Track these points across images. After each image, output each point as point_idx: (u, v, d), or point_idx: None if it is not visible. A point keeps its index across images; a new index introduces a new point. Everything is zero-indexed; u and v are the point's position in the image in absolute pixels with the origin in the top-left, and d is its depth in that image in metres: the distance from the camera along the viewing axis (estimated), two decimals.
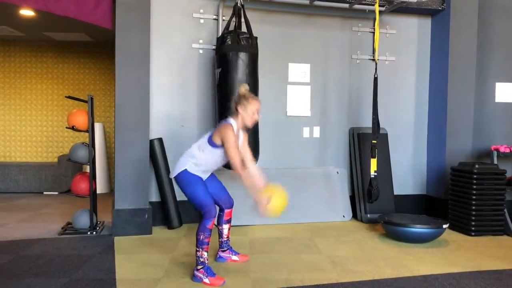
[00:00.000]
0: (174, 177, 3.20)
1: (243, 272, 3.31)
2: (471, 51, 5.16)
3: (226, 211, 3.51)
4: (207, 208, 3.09)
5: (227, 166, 3.33)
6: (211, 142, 3.16)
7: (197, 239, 3.10)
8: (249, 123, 3.24)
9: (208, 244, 3.10)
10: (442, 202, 5.07)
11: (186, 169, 3.14)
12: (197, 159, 3.17)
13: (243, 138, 3.34)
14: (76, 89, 7.47)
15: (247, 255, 3.66)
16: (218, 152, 3.15)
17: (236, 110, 3.20)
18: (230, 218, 3.58)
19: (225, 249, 3.58)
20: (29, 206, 5.81)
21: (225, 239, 3.57)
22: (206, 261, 3.11)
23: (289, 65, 5.09)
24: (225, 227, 3.56)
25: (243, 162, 3.23)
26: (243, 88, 3.28)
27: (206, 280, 3.04)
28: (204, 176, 3.26)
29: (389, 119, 5.34)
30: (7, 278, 3.12)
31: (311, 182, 5.10)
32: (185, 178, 3.15)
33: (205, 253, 3.09)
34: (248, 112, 3.18)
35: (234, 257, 3.57)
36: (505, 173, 4.53)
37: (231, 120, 3.21)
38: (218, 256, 3.57)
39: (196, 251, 3.10)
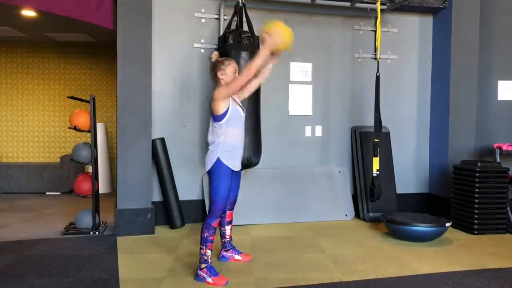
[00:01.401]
0: (208, 171, 3.15)
1: (246, 271, 3.32)
2: (473, 49, 5.16)
3: (228, 212, 3.53)
4: (219, 207, 3.09)
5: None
6: (215, 118, 3.11)
7: (202, 237, 3.10)
8: (233, 85, 3.18)
9: (212, 242, 3.11)
10: (445, 200, 5.06)
11: (218, 158, 3.09)
12: (220, 143, 3.11)
13: (237, 99, 3.33)
14: (78, 89, 7.48)
15: (250, 254, 3.66)
16: (228, 121, 3.10)
17: (217, 77, 3.19)
18: (232, 219, 3.61)
19: (228, 248, 3.58)
20: (32, 206, 5.82)
21: (228, 239, 3.58)
22: (210, 260, 3.11)
23: (290, 64, 5.08)
24: (227, 228, 3.57)
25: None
26: (214, 55, 3.30)
27: (209, 280, 3.04)
28: (236, 164, 3.20)
29: (391, 117, 5.33)
30: (11, 278, 3.13)
31: (313, 181, 5.10)
32: (219, 168, 3.09)
33: (209, 251, 3.10)
34: (228, 74, 3.18)
35: (237, 257, 3.57)
36: (507, 171, 4.52)
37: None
38: (221, 255, 3.58)
39: (200, 248, 3.11)
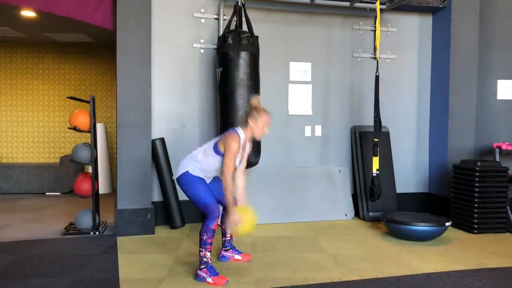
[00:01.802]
0: (177, 179, 3.23)
1: (246, 271, 3.32)
2: (473, 48, 5.16)
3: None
4: (210, 208, 3.10)
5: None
6: (216, 149, 3.17)
7: (200, 239, 3.11)
8: (258, 136, 3.27)
9: (211, 244, 3.11)
10: (445, 200, 5.07)
11: (187, 171, 3.16)
12: (200, 164, 3.19)
13: (248, 148, 3.38)
14: (77, 90, 7.48)
15: (250, 254, 3.66)
16: (221, 159, 3.15)
17: (246, 121, 3.22)
18: None
19: (228, 248, 3.58)
20: (32, 206, 5.82)
21: (228, 238, 3.58)
22: (209, 261, 3.11)
23: (290, 64, 5.09)
24: None
25: (234, 171, 3.26)
26: (255, 100, 3.30)
27: (209, 280, 3.05)
28: (206, 180, 3.28)
29: (391, 117, 5.34)
30: (12, 278, 3.13)
31: (313, 181, 5.10)
32: (187, 179, 3.16)
33: (208, 253, 3.10)
34: (258, 125, 3.20)
35: (237, 256, 3.57)
36: (507, 171, 4.52)
37: (240, 130, 3.22)
38: (221, 255, 3.58)
39: (200, 251, 3.11)
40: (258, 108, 3.23)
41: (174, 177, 3.25)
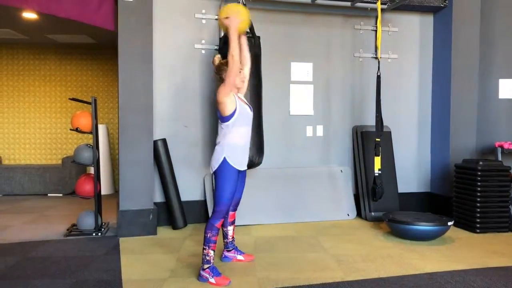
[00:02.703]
0: (214, 171, 3.15)
1: (248, 271, 3.32)
2: (474, 47, 5.15)
3: (231, 213, 3.53)
4: (222, 207, 3.10)
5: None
6: (222, 119, 3.14)
7: (205, 237, 3.11)
8: (239, 84, 3.26)
9: (215, 242, 3.11)
10: (447, 199, 5.06)
11: (224, 158, 3.10)
12: (226, 143, 3.13)
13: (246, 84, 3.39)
14: (79, 91, 7.50)
15: (252, 254, 3.66)
16: (235, 121, 3.11)
17: (222, 79, 3.18)
18: (234, 220, 3.61)
19: (231, 249, 3.59)
20: (34, 208, 5.83)
21: (230, 239, 3.59)
22: (212, 260, 3.11)
23: (291, 64, 5.09)
24: (230, 229, 3.57)
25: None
26: (217, 58, 3.31)
27: (212, 280, 3.05)
28: (242, 163, 3.21)
29: (393, 117, 5.33)
30: (14, 279, 3.14)
31: (315, 181, 5.10)
32: (224, 169, 3.10)
33: (212, 252, 3.10)
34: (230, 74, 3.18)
35: (240, 257, 3.57)
36: (509, 170, 4.51)
37: None
38: (223, 256, 3.58)
39: (203, 249, 3.11)
40: (223, 61, 3.23)
41: (212, 171, 3.16)
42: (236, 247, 3.63)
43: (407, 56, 5.41)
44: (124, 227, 4.30)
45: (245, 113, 3.19)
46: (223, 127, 3.15)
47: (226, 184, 3.10)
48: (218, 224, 3.11)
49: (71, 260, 3.57)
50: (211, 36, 4.82)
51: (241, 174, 3.34)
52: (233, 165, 3.11)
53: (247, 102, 3.32)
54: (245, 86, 3.40)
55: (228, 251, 3.59)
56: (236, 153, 3.15)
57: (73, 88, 7.52)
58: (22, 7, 4.31)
